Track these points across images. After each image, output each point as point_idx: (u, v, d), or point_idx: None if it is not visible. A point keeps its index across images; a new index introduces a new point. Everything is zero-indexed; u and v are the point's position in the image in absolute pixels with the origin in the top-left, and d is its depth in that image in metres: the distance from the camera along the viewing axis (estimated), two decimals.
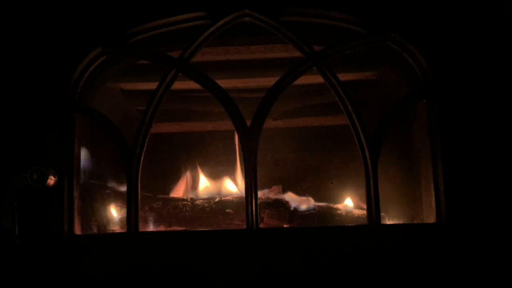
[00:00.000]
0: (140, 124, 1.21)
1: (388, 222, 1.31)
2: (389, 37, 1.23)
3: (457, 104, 1.18)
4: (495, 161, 1.16)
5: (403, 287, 1.14)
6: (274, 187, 1.47)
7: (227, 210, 1.33)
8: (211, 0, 1.23)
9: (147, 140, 1.21)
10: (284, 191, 1.46)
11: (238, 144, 1.41)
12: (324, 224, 1.30)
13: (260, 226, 1.19)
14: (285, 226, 1.30)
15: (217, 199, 1.35)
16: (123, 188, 1.21)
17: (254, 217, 1.17)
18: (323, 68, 1.22)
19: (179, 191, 1.46)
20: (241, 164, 1.23)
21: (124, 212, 1.23)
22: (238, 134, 1.21)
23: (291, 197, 1.40)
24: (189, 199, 1.36)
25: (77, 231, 1.21)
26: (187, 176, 1.49)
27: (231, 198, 1.35)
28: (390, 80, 1.41)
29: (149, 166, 1.25)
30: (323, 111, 1.54)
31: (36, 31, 1.21)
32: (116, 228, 1.31)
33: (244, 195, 1.18)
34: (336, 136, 1.52)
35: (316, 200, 1.39)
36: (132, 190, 1.19)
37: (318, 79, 1.24)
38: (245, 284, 1.14)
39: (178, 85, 1.26)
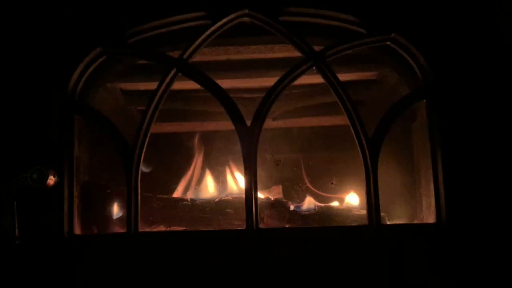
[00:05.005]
0: (140, 124, 1.21)
1: (388, 222, 1.31)
2: (389, 37, 1.23)
3: (457, 104, 1.18)
4: (495, 161, 1.16)
5: (403, 287, 1.14)
6: (274, 187, 1.47)
7: (227, 210, 1.33)
8: (211, 0, 1.23)
9: (147, 140, 1.21)
10: (284, 191, 1.46)
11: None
12: (324, 224, 1.30)
13: (260, 226, 1.19)
14: (285, 226, 1.30)
15: (217, 199, 1.35)
16: (123, 188, 1.21)
17: (254, 217, 1.17)
18: (323, 68, 1.22)
19: (179, 191, 1.46)
20: (241, 164, 1.23)
21: (124, 212, 1.23)
22: (238, 134, 1.21)
23: (291, 197, 1.40)
24: (189, 199, 1.36)
25: (77, 231, 1.21)
26: (187, 176, 1.49)
27: (231, 198, 1.35)
28: (390, 80, 1.41)
29: (149, 166, 1.25)
30: (323, 111, 1.54)
31: (36, 31, 1.21)
32: (116, 228, 1.31)
33: (244, 195, 1.19)
34: (336, 136, 1.52)
35: (316, 200, 1.39)
36: (132, 190, 1.19)
37: (318, 79, 1.24)
38: (245, 284, 1.14)
39: (178, 85, 1.27)
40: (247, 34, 1.29)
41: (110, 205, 1.33)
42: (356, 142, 1.20)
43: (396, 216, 1.34)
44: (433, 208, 1.19)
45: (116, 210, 1.33)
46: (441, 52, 1.20)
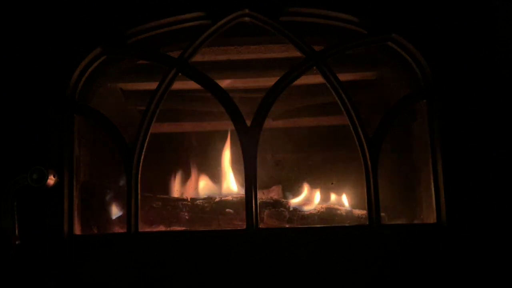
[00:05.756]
0: (140, 124, 1.21)
1: (388, 222, 1.31)
2: (389, 37, 1.23)
3: (457, 104, 1.18)
4: (495, 161, 1.16)
5: (403, 287, 1.14)
6: (274, 187, 1.47)
7: (227, 210, 1.33)
8: (211, 0, 1.23)
9: (147, 140, 1.21)
10: (284, 191, 1.46)
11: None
12: (324, 224, 1.30)
13: (260, 226, 1.19)
14: (285, 226, 1.30)
15: (217, 199, 1.35)
16: (123, 188, 1.21)
17: (254, 217, 1.17)
18: (323, 68, 1.22)
19: (179, 191, 1.46)
20: (241, 164, 1.23)
21: (124, 212, 1.23)
22: (238, 134, 1.21)
23: (291, 197, 1.40)
24: (189, 199, 1.36)
25: (77, 231, 1.21)
26: (187, 176, 1.49)
27: (231, 198, 1.35)
28: (390, 80, 1.41)
29: (149, 166, 1.25)
30: (323, 111, 1.54)
31: (36, 31, 1.21)
32: (116, 228, 1.31)
33: (244, 195, 1.19)
34: (336, 136, 1.52)
35: (316, 200, 1.38)
36: (132, 190, 1.19)
37: (318, 79, 1.24)
38: (245, 284, 1.14)
39: (178, 85, 1.26)
40: (247, 34, 1.29)
41: (110, 205, 1.33)
42: (356, 142, 1.20)
43: (396, 216, 1.34)
44: (433, 208, 1.19)
45: (116, 210, 1.33)
46: (441, 52, 1.20)
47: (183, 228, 1.32)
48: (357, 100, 1.23)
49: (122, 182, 1.26)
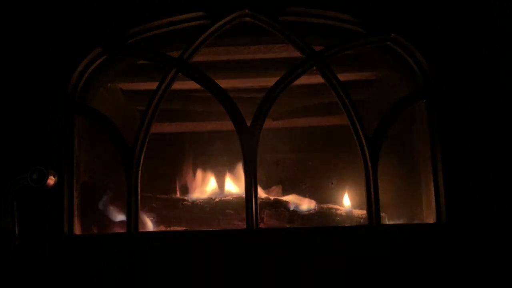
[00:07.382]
0: (140, 124, 1.21)
1: (388, 222, 1.31)
2: (389, 37, 1.23)
3: (457, 104, 1.18)
4: (495, 161, 1.16)
5: (404, 287, 1.14)
6: (274, 187, 1.47)
7: (227, 210, 1.33)
8: (211, 0, 1.23)
9: (147, 140, 1.21)
10: (284, 191, 1.46)
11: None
12: (324, 224, 1.30)
13: (260, 226, 1.19)
14: (285, 226, 1.30)
15: (217, 199, 1.35)
16: (123, 188, 1.21)
17: (254, 217, 1.17)
18: (323, 68, 1.22)
19: (179, 191, 1.46)
20: (241, 164, 1.23)
21: (124, 212, 1.23)
22: (238, 134, 1.21)
23: (291, 197, 1.40)
24: (189, 199, 1.36)
25: (77, 231, 1.21)
26: (187, 176, 1.49)
27: (231, 198, 1.35)
28: (390, 80, 1.41)
29: (149, 166, 1.25)
30: (323, 111, 1.54)
31: (36, 31, 1.21)
32: (116, 228, 1.31)
33: (244, 195, 1.19)
34: (336, 136, 1.52)
35: (316, 200, 1.39)
36: (132, 190, 1.19)
37: (318, 79, 1.24)
38: (245, 284, 1.14)
39: (178, 85, 1.26)
40: (247, 34, 1.29)
41: (110, 205, 1.33)
42: (356, 142, 1.20)
43: (396, 216, 1.34)
44: (433, 208, 1.19)
45: (116, 210, 1.33)
46: (441, 52, 1.20)
47: (183, 228, 1.32)
48: (357, 100, 1.23)
49: (122, 182, 1.26)
